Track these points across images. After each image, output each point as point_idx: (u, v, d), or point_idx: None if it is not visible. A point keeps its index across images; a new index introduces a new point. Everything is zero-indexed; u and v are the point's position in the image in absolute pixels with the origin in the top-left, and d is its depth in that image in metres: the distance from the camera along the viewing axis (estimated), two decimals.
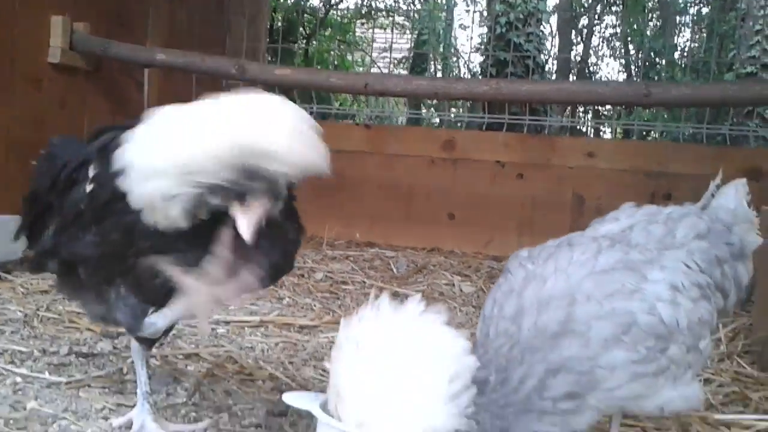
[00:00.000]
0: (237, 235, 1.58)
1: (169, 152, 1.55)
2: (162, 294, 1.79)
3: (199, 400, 2.13)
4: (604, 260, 1.64)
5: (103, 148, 1.80)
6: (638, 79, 6.29)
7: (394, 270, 4.43)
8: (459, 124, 7.30)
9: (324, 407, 1.66)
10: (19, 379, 2.12)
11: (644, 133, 8.01)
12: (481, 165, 5.43)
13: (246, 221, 1.52)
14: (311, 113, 6.20)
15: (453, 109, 8.95)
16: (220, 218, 1.62)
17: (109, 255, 1.79)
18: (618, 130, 7.74)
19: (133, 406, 1.91)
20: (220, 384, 2.28)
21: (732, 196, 2.00)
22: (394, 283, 4.07)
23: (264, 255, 1.71)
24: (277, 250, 1.78)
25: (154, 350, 2.52)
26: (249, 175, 1.49)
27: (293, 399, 1.71)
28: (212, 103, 1.57)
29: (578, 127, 8.81)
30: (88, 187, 1.78)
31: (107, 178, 1.74)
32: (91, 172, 1.80)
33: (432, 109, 8.60)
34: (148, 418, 1.85)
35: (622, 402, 1.75)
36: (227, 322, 3.00)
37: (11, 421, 1.83)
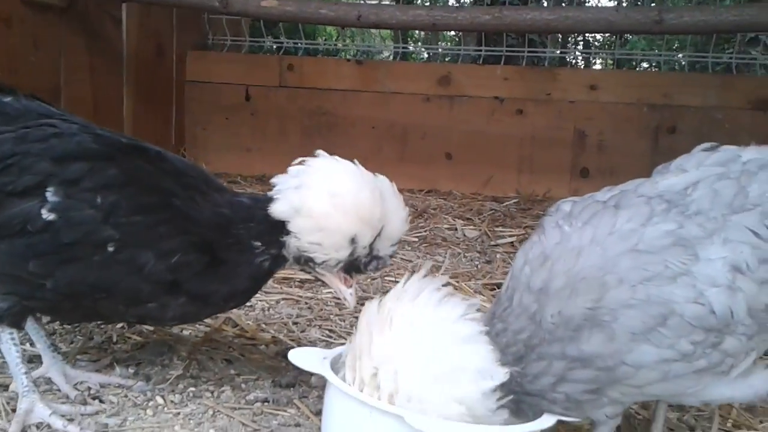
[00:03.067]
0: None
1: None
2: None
3: (198, 372, 1.93)
4: (650, 233, 1.40)
5: (72, 178, 1.54)
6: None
7: None
8: (448, 58, 6.96)
9: (334, 367, 1.51)
10: None
11: (635, 63, 7.66)
12: (479, 101, 5.20)
13: (351, 293, 1.75)
14: (299, 49, 5.94)
15: (441, 43, 8.58)
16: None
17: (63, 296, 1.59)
18: (609, 61, 7.39)
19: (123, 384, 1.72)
20: (219, 351, 2.08)
21: None
22: None
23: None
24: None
25: None
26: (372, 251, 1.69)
27: (300, 358, 1.53)
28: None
29: (571, 59, 8.48)
30: (47, 215, 1.51)
31: (79, 218, 1.52)
32: (52, 197, 1.52)
33: (419, 42, 8.19)
34: (35, 400, 1.62)
35: (654, 398, 1.58)
36: None
37: None
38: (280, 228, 1.64)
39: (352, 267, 1.70)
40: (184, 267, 1.60)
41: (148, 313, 1.66)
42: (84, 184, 1.54)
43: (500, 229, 4.03)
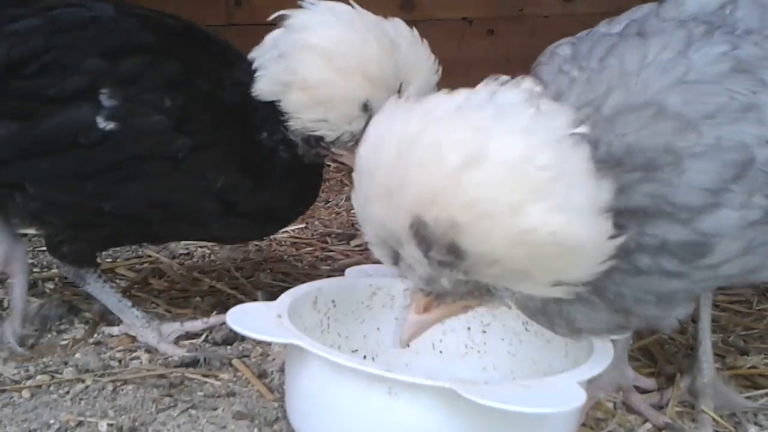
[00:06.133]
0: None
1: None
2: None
3: (104, 337, 1.49)
4: (699, 59, 0.99)
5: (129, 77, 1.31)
6: None
7: None
8: None
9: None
10: None
11: None
12: (446, 24, 4.74)
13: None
14: None
15: None
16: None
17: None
18: None
19: None
20: (139, 308, 1.64)
21: None
22: None
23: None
24: None
25: (54, 270, 1.89)
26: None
27: (243, 321, 1.07)
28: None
29: None
30: (104, 124, 1.27)
31: (146, 125, 1.30)
32: (107, 101, 1.27)
33: None
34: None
35: (726, 283, 1.16)
36: None
37: None
38: (275, 108, 1.37)
39: None
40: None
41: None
42: (144, 83, 1.31)
43: None
